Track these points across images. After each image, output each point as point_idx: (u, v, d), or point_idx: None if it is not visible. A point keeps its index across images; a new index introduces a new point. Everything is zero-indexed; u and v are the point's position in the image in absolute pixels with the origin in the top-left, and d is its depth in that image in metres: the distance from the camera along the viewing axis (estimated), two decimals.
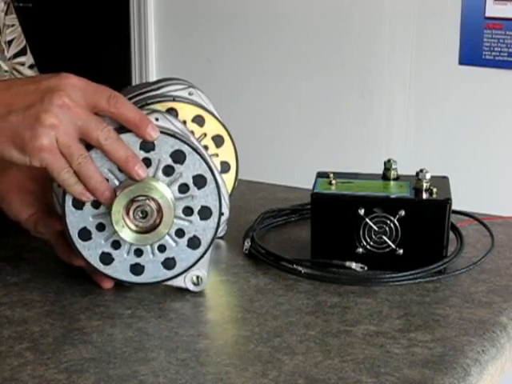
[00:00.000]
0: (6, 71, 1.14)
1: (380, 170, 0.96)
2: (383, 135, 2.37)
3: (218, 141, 0.98)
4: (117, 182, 0.80)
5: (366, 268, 0.89)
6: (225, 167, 0.99)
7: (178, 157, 0.80)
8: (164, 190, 0.80)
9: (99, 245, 0.82)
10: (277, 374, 0.69)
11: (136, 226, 0.80)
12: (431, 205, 0.90)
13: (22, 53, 1.17)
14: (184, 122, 0.96)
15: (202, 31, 2.60)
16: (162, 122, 0.82)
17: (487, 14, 2.18)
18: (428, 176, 0.91)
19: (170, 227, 0.81)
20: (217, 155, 0.99)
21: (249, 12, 2.51)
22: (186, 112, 0.96)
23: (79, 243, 0.82)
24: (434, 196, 0.90)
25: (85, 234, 0.82)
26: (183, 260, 0.83)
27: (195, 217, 0.82)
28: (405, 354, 0.72)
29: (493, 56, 2.19)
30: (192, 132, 0.97)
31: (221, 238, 1.01)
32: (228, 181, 1.00)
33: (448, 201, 0.89)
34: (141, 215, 0.80)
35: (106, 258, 0.82)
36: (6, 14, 1.14)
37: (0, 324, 0.78)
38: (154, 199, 0.80)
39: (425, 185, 0.91)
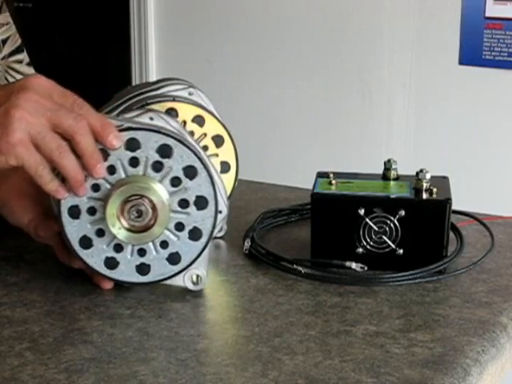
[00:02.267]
0: None
1: (380, 170, 0.96)
2: (383, 135, 2.37)
3: (218, 141, 0.98)
4: (108, 186, 0.80)
5: (366, 268, 0.89)
6: (225, 167, 0.99)
7: (165, 151, 0.80)
8: (156, 187, 0.80)
9: (102, 250, 0.82)
10: (277, 374, 0.69)
11: (133, 226, 0.80)
12: (431, 205, 0.90)
13: (18, 50, 1.16)
14: (184, 122, 0.96)
15: (202, 31, 2.59)
16: (156, 121, 0.82)
17: (487, 14, 2.18)
18: (428, 176, 0.91)
19: (168, 222, 0.81)
20: (217, 155, 0.99)
21: (249, 12, 2.51)
22: (186, 112, 0.96)
23: (82, 252, 0.82)
24: (434, 196, 0.90)
25: (86, 242, 0.82)
26: (187, 253, 0.83)
27: (192, 208, 0.82)
28: (405, 353, 0.72)
29: (493, 56, 2.19)
30: (192, 132, 0.97)
31: (221, 238, 1.01)
32: (228, 181, 1.00)
33: (448, 201, 0.89)
34: (136, 215, 0.80)
35: (111, 263, 0.82)
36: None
37: (0, 324, 0.78)
38: (147, 197, 0.80)
39: (425, 185, 0.91)
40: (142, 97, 0.97)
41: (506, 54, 2.18)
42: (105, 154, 0.79)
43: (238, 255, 0.95)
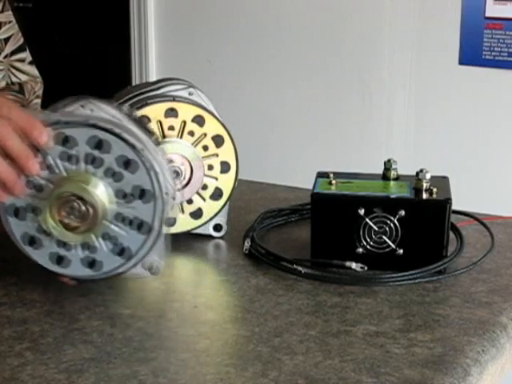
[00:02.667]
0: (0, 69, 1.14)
1: (380, 170, 0.96)
2: (383, 135, 2.37)
3: (218, 141, 0.98)
4: (50, 185, 0.80)
5: (366, 268, 0.89)
6: (225, 167, 0.99)
7: (100, 145, 0.80)
8: (94, 183, 0.80)
9: (48, 247, 0.82)
10: (277, 374, 0.69)
11: (71, 224, 0.80)
12: (431, 205, 0.90)
13: (21, 49, 1.16)
14: (184, 122, 0.97)
15: (202, 31, 2.59)
16: (96, 112, 0.82)
17: (487, 14, 2.18)
18: (428, 176, 0.91)
19: (110, 216, 0.81)
20: (217, 155, 0.99)
21: (249, 12, 2.51)
22: (186, 112, 0.97)
23: (30, 251, 0.82)
24: (434, 196, 0.90)
25: (32, 240, 0.82)
26: (132, 243, 0.82)
27: (133, 199, 0.81)
28: (405, 353, 0.72)
29: (493, 56, 2.19)
30: (192, 132, 0.97)
31: (221, 238, 1.01)
32: (228, 181, 1.00)
33: (448, 201, 0.89)
34: (73, 213, 0.80)
35: (60, 260, 0.83)
36: (1, 11, 1.14)
37: (0, 324, 0.78)
38: (84, 195, 0.80)
39: (425, 185, 0.91)
40: (141, 97, 0.97)
41: (506, 54, 2.17)
42: (42, 153, 0.80)
43: (238, 255, 0.95)
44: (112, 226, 0.81)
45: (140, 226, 0.82)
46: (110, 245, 0.82)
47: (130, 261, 0.83)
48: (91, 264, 0.83)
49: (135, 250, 0.82)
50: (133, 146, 0.80)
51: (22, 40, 1.16)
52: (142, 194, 0.81)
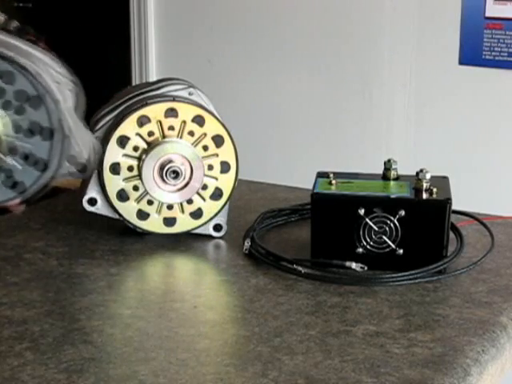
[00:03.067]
0: None
1: (380, 170, 0.96)
2: (383, 135, 2.37)
3: (218, 141, 0.98)
4: None
5: (366, 268, 0.89)
6: (225, 167, 0.99)
7: None
8: None
9: None
10: (277, 374, 0.69)
11: None
12: (431, 205, 0.90)
13: None
14: (184, 122, 0.97)
15: (201, 31, 2.59)
16: None
17: (487, 14, 2.18)
18: (428, 176, 0.91)
19: (6, 131, 0.79)
20: (217, 155, 0.99)
21: (249, 12, 2.51)
22: (186, 112, 0.97)
23: None
24: (434, 196, 0.90)
25: None
26: (41, 151, 0.79)
27: (19, 108, 0.79)
28: (405, 354, 0.72)
29: (493, 56, 2.19)
30: (192, 132, 0.96)
31: (221, 238, 1.01)
32: (228, 181, 1.00)
33: (448, 201, 0.89)
34: None
35: None
36: None
37: (0, 324, 0.78)
38: None
39: (425, 185, 0.91)
40: (142, 97, 0.97)
41: (505, 54, 2.17)
42: None
43: (237, 255, 0.95)
44: (16, 142, 0.79)
45: (41, 132, 0.79)
46: (21, 160, 0.80)
47: (48, 169, 0.80)
48: (13, 186, 0.80)
49: (47, 156, 0.80)
50: (2, 57, 0.78)
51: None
52: (28, 99, 0.79)
